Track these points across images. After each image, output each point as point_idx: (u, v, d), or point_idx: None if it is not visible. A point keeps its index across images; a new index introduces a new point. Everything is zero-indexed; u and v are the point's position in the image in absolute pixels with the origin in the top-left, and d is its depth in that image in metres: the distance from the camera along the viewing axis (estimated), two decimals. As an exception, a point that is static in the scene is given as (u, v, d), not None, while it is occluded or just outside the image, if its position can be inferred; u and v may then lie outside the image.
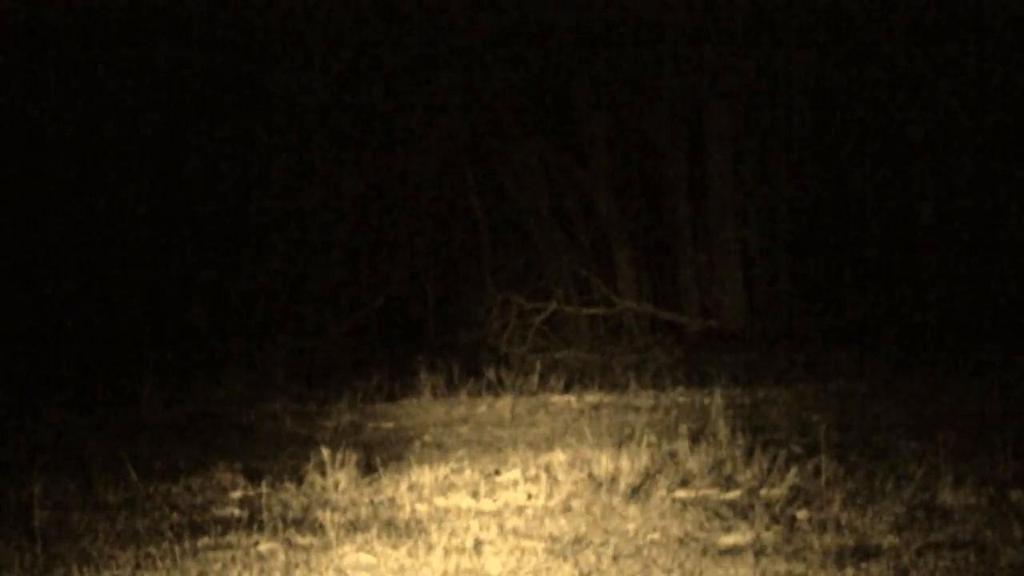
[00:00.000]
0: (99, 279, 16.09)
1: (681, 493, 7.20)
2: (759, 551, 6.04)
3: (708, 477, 7.47)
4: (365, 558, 6.01)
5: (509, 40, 17.02)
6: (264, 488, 7.39)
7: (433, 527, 6.55)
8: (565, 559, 5.95)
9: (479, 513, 6.90)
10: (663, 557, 5.99)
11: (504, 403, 11.09)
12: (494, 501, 7.17)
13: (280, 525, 6.60)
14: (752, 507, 6.87)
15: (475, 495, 7.29)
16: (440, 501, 7.17)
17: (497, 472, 7.79)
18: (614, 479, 7.36)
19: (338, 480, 7.54)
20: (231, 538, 6.40)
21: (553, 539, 6.32)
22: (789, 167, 17.01)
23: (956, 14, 16.88)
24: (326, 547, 6.21)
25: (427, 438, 9.53)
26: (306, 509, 7.00)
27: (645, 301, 16.69)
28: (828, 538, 6.20)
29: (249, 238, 16.88)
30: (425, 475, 7.63)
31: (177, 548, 6.20)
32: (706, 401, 10.18)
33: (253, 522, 6.69)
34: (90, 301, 15.88)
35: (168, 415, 10.94)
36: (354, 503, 7.15)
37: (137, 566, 5.95)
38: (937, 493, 6.96)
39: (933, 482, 7.10)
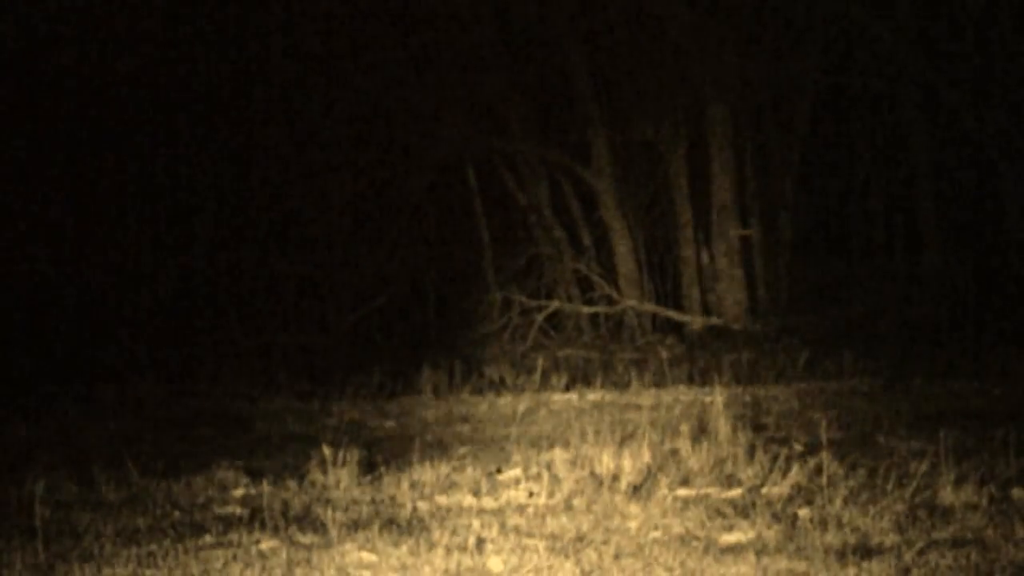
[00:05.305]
0: (101, 277, 16.09)
1: (682, 491, 7.20)
2: (760, 549, 6.04)
3: (709, 475, 7.47)
4: (367, 556, 6.01)
5: (510, 39, 17.03)
6: (265, 486, 7.40)
7: (435, 525, 6.55)
8: (567, 557, 5.95)
9: (481, 511, 6.90)
10: (664, 555, 5.99)
11: (505, 401, 11.10)
12: (496, 499, 7.17)
13: (281, 523, 6.61)
14: (753, 505, 6.87)
15: (476, 493, 7.29)
16: (442, 499, 7.17)
17: (499, 470, 7.80)
18: (615, 477, 7.37)
19: (339, 478, 7.54)
20: (232, 536, 6.40)
21: (555, 537, 6.32)
22: (790, 165, 17.02)
23: (956, 13, 16.90)
24: (327, 545, 6.21)
25: (428, 436, 9.53)
26: (307, 507, 7.00)
27: (646, 299, 16.68)
28: (830, 536, 6.20)
29: (251, 237, 16.88)
30: (426, 473, 7.63)
31: (179, 546, 6.20)
32: (707, 399, 10.16)
33: (254, 520, 6.70)
34: (92, 299, 15.88)
35: (170, 413, 10.95)
36: (355, 501, 7.15)
37: (139, 564, 5.94)
38: (938, 492, 6.96)
39: (934, 481, 7.09)
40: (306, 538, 6.35)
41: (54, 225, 16.09)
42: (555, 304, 16.44)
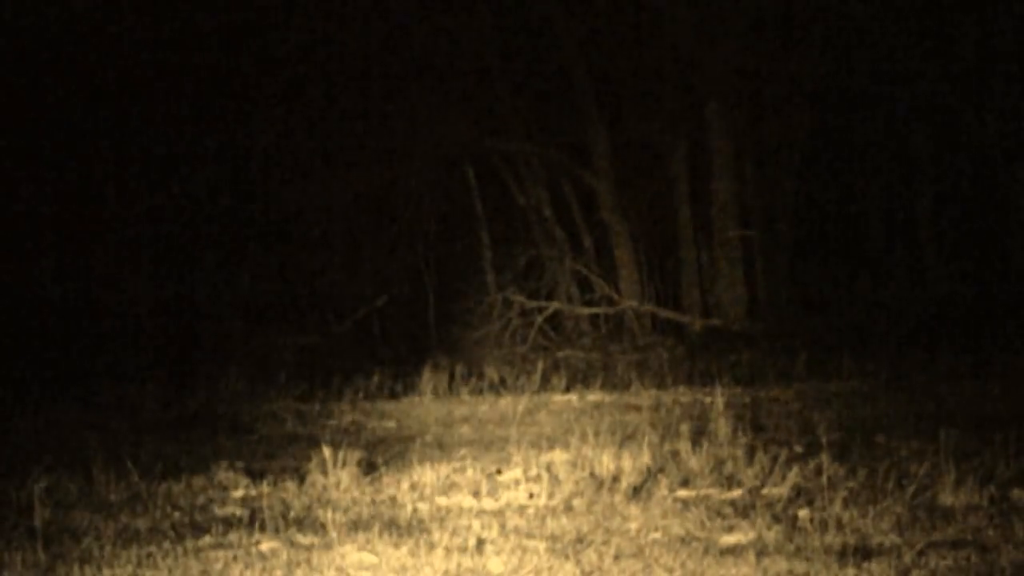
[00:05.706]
0: (101, 278, 16.09)
1: (683, 492, 7.20)
2: (761, 550, 6.04)
3: (709, 476, 7.47)
4: (367, 557, 6.01)
5: (510, 39, 17.03)
6: (265, 487, 7.40)
7: (435, 526, 6.55)
8: (567, 558, 5.95)
9: (481, 512, 6.90)
10: (665, 556, 5.98)
11: (506, 402, 11.10)
12: (496, 500, 7.17)
13: (281, 524, 6.61)
14: (754, 506, 6.87)
15: (477, 494, 7.29)
16: (442, 500, 7.17)
17: (499, 471, 7.80)
18: (616, 478, 7.37)
19: (340, 479, 7.53)
20: (232, 537, 6.40)
21: (555, 538, 6.32)
22: (790, 166, 17.02)
23: (957, 15, 16.90)
24: (327, 546, 6.21)
25: (429, 437, 9.53)
26: (308, 508, 7.00)
27: (646, 300, 16.69)
28: (830, 537, 6.20)
29: (251, 238, 16.88)
30: (427, 474, 7.63)
31: (179, 547, 6.20)
32: (707, 400, 10.18)
33: (254, 521, 6.69)
34: (92, 300, 15.88)
35: (170, 414, 10.95)
36: (356, 502, 7.15)
37: (139, 565, 5.94)
38: (938, 493, 6.96)
39: (934, 481, 7.09)
40: (306, 539, 6.35)
41: (55, 227, 16.09)
42: (555, 305, 16.44)
